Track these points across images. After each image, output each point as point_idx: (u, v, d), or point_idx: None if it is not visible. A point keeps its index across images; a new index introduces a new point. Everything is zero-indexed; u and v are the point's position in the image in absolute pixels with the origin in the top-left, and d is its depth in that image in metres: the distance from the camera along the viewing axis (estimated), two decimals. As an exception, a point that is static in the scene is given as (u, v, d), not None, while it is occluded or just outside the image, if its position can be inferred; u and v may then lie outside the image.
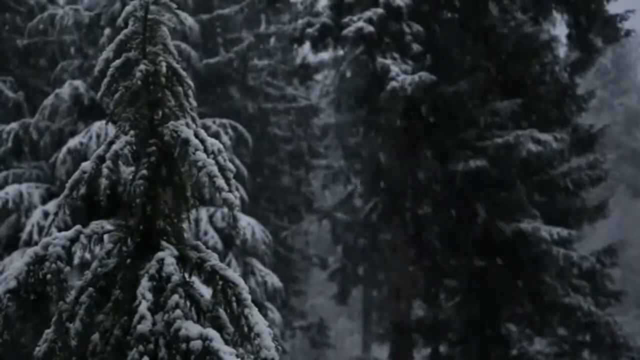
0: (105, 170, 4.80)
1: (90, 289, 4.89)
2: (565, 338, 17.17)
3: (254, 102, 26.01)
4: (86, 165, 4.92)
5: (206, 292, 4.95)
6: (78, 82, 14.11)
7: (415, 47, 15.78)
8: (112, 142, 4.95)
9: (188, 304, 4.86)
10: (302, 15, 18.46)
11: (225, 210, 5.09)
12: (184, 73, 5.07)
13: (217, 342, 4.59)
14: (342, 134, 31.21)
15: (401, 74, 15.29)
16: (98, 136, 13.08)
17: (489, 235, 16.40)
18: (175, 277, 4.76)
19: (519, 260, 16.35)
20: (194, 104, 5.11)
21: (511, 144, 15.88)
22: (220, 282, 4.79)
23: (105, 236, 5.04)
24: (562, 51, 18.51)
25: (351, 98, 21.79)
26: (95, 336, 4.79)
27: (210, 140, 4.86)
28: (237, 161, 15.33)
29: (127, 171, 5.10)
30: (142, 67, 4.92)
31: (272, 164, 27.89)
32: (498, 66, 16.77)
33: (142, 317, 4.62)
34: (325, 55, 26.54)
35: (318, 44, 16.81)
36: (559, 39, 17.72)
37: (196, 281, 4.98)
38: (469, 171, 15.99)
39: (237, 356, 4.62)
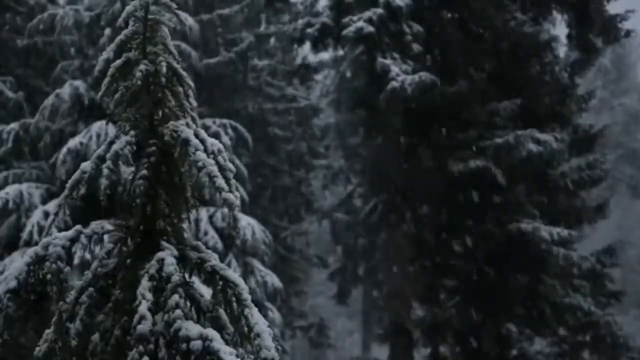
0: (105, 170, 4.80)
1: (90, 289, 4.88)
2: (565, 338, 17.17)
3: (254, 102, 26.02)
4: (86, 165, 4.92)
5: (206, 292, 4.95)
6: (78, 83, 14.10)
7: (415, 47, 15.78)
8: (112, 142, 4.95)
9: (188, 304, 4.86)
10: (302, 15, 18.46)
11: (226, 210, 5.09)
12: (184, 73, 5.07)
13: (217, 342, 4.59)
14: (342, 134, 31.23)
15: (401, 74, 15.29)
16: (98, 136, 13.08)
17: (489, 235, 16.39)
18: (176, 277, 4.75)
19: (519, 260, 16.35)
20: (194, 104, 5.11)
21: (511, 144, 15.88)
22: (221, 282, 4.79)
23: (105, 236, 5.04)
24: (562, 51, 18.54)
25: (351, 98, 21.79)
26: (95, 336, 4.79)
27: (210, 140, 4.86)
28: (237, 161, 15.33)
29: (127, 171, 5.10)
30: (142, 67, 4.92)
31: (272, 164, 27.90)
32: (498, 66, 16.77)
33: (142, 317, 4.62)
34: (325, 55, 26.59)
35: (318, 44, 16.81)
36: (559, 39, 17.73)
37: (196, 281, 4.98)
38: (469, 171, 15.99)
39: (237, 356, 4.61)
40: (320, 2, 18.55)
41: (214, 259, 4.91)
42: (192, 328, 4.64)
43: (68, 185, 4.91)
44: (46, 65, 18.18)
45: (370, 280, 30.93)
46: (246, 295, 4.76)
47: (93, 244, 5.00)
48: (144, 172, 4.88)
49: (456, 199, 16.79)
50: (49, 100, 14.01)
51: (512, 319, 17.06)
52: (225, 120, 16.72)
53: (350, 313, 38.04)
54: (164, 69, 4.93)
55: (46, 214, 12.83)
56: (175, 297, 4.71)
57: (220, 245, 14.39)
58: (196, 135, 4.84)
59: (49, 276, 4.79)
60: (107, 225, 5.05)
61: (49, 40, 17.27)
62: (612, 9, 17.02)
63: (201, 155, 4.75)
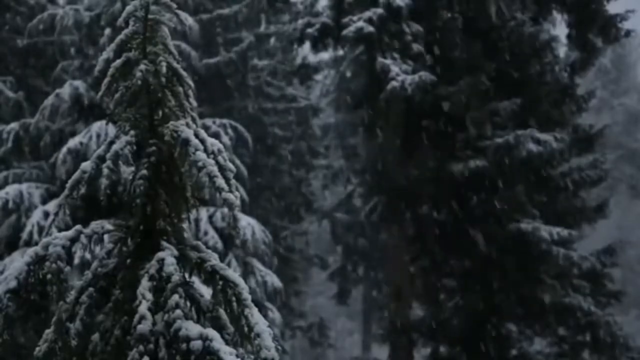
0: (105, 170, 4.80)
1: (91, 289, 4.88)
2: (565, 338, 17.16)
3: (254, 102, 26.02)
4: (86, 165, 4.92)
5: (206, 292, 4.95)
6: (78, 82, 14.11)
7: (415, 47, 15.77)
8: (112, 142, 4.95)
9: (188, 304, 4.86)
10: (302, 15, 18.46)
11: (225, 210, 5.09)
12: (184, 73, 5.07)
13: (217, 342, 4.59)
14: (342, 134, 31.25)
15: (401, 74, 15.29)
16: (98, 136, 13.08)
17: (489, 235, 16.39)
18: (176, 277, 4.76)
19: (519, 260, 16.34)
20: (194, 104, 5.11)
21: (511, 144, 15.88)
22: (221, 282, 4.79)
23: (105, 236, 5.04)
24: (562, 51, 18.52)
25: (351, 98, 21.79)
26: (96, 336, 4.79)
27: (210, 140, 4.86)
28: (237, 161, 15.33)
29: (127, 171, 5.10)
30: (142, 67, 4.92)
31: (272, 164, 27.90)
32: (498, 66, 16.76)
33: (142, 317, 4.62)
34: (325, 55, 26.57)
35: (318, 44, 16.81)
36: (559, 39, 17.71)
37: (196, 281, 4.98)
38: (469, 171, 15.99)
39: (237, 356, 4.62)
40: (320, 2, 18.56)
41: (214, 259, 4.91)
42: (192, 328, 4.64)
43: (68, 185, 4.91)
44: (46, 65, 18.17)
45: (370, 280, 30.94)
46: (246, 295, 4.76)
47: (93, 244, 5.00)
48: (144, 172, 4.88)
49: (456, 199, 16.79)
50: (49, 100, 14.01)
51: (512, 319, 17.05)
52: (225, 120, 16.72)
53: (350, 313, 38.05)
54: (164, 69, 4.93)
55: (46, 214, 12.83)
56: (175, 297, 4.71)
57: (220, 245, 14.39)
58: (196, 135, 4.85)
59: (49, 276, 4.79)
60: (107, 225, 5.05)
61: (49, 40, 17.27)
62: (612, 9, 17.02)
63: (201, 155, 4.75)
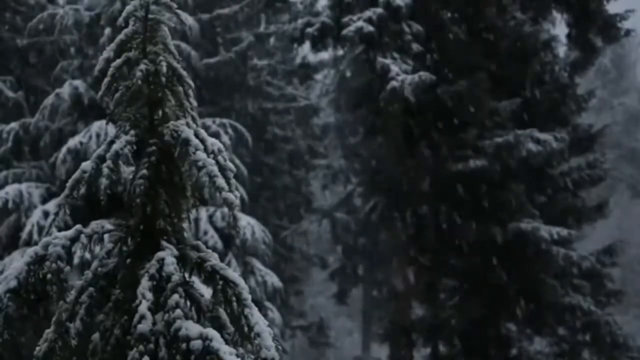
0: (105, 170, 4.80)
1: (91, 288, 4.89)
2: (565, 338, 17.16)
3: (254, 102, 26.03)
4: (86, 165, 4.92)
5: (206, 292, 4.95)
6: (78, 82, 14.12)
7: (415, 47, 15.77)
8: (112, 142, 4.94)
9: (188, 303, 4.86)
10: (302, 15, 18.49)
11: (225, 210, 5.09)
12: (184, 73, 5.07)
13: (217, 341, 4.59)
14: (342, 134, 31.26)
15: (401, 74, 15.29)
16: (98, 136, 13.10)
17: (489, 235, 16.39)
18: (176, 277, 4.76)
19: (519, 260, 16.34)
20: (194, 103, 5.11)
21: (511, 144, 15.88)
22: (221, 282, 4.79)
23: (105, 236, 5.04)
24: (562, 51, 18.52)
25: (351, 98, 21.80)
26: (96, 336, 4.79)
27: (211, 140, 4.86)
28: (237, 161, 15.34)
29: (127, 171, 5.10)
30: (142, 66, 4.92)
31: (272, 164, 27.90)
32: (498, 66, 16.76)
33: (142, 317, 4.62)
34: (325, 55, 26.62)
35: (318, 44, 16.81)
36: (559, 39, 17.72)
37: (196, 281, 4.98)
38: (469, 171, 15.99)
39: (237, 356, 4.62)
40: (320, 1, 18.58)
41: (214, 259, 4.91)
42: (192, 328, 4.64)
43: (68, 184, 4.91)
44: (46, 64, 18.18)
45: (370, 280, 30.94)
46: (246, 294, 4.76)
47: (93, 244, 5.00)
48: (144, 171, 4.88)
49: (456, 199, 16.79)
50: (49, 100, 14.03)
51: (512, 319, 17.05)
52: (225, 120, 16.73)
53: (350, 313, 38.02)
54: (164, 69, 4.93)
55: (46, 214, 12.85)
56: (175, 296, 4.71)
57: (220, 245, 14.40)
58: (196, 135, 4.85)
59: (49, 276, 4.79)
60: (107, 225, 5.05)
61: (49, 39, 17.28)
62: (611, 8, 17.03)
63: (201, 155, 4.75)
